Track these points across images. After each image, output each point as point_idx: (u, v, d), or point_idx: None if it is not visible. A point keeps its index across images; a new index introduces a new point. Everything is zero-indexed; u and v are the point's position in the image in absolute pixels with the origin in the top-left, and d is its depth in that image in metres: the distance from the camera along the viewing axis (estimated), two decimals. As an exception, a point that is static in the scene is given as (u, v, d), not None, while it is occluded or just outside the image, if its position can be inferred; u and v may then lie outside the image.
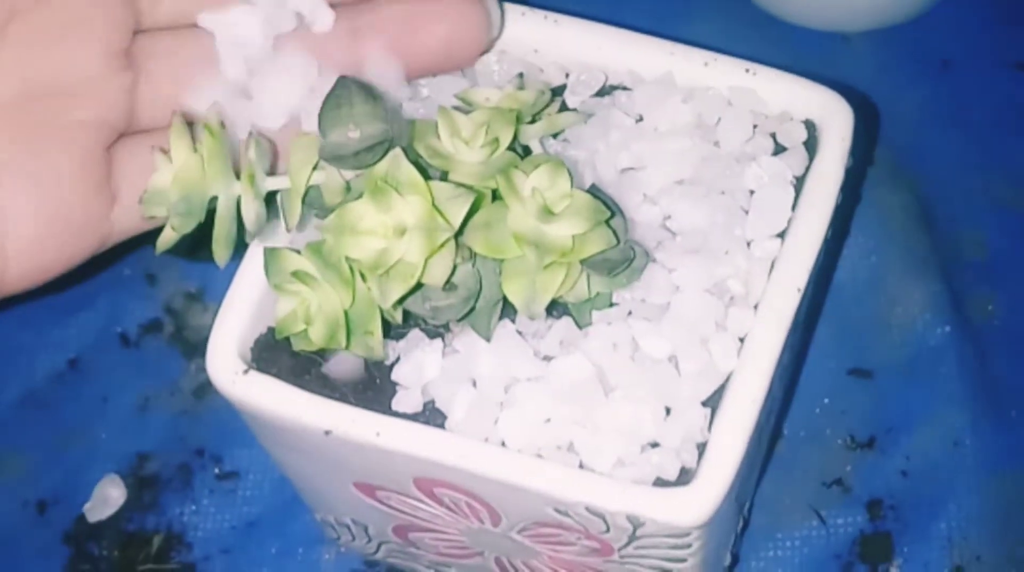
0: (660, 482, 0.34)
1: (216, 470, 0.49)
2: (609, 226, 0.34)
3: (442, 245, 0.31)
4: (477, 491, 0.35)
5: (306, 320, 0.33)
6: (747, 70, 0.39)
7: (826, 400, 0.49)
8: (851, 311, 0.50)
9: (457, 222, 0.32)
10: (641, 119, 0.39)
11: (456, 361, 0.36)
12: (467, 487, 0.35)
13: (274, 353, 0.37)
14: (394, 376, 0.36)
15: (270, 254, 0.34)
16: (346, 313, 0.33)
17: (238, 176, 0.33)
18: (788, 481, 0.47)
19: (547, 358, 0.36)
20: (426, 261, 0.32)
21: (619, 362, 0.35)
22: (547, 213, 0.32)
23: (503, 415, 0.35)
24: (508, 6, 0.40)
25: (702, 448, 0.34)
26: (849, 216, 0.51)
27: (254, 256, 0.36)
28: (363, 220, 0.31)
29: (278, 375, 0.36)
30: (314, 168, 0.33)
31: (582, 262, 0.34)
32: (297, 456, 0.39)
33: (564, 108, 0.39)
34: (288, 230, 0.34)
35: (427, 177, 0.32)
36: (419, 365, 0.36)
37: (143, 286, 0.53)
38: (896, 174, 0.52)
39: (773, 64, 0.56)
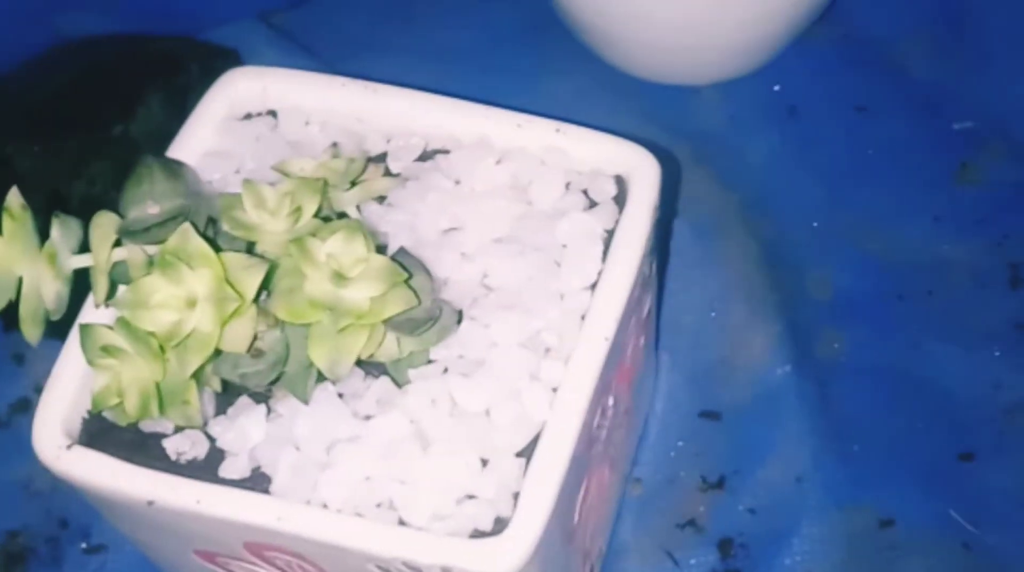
0: (477, 533, 0.35)
1: (84, 544, 0.50)
2: (410, 287, 0.35)
3: (233, 314, 0.32)
4: (302, 552, 0.36)
5: (119, 393, 0.34)
6: (557, 130, 0.40)
7: (680, 443, 0.50)
8: (700, 355, 0.51)
9: (250, 292, 0.33)
10: (459, 182, 0.40)
11: (280, 425, 0.37)
12: (293, 549, 0.36)
13: (108, 427, 0.38)
14: (220, 443, 0.37)
15: (84, 330, 0.35)
16: (159, 385, 0.34)
17: None
18: (646, 524, 0.48)
19: (368, 417, 0.37)
20: (222, 330, 0.32)
21: (437, 417, 0.36)
22: (340, 278, 0.33)
23: (323, 476, 0.36)
24: (328, 78, 0.42)
25: (518, 497, 0.35)
26: (695, 263, 0.52)
27: (77, 333, 0.37)
28: (155, 294, 0.32)
29: (111, 449, 0.37)
30: (115, 244, 0.34)
31: (385, 322, 0.35)
32: (136, 527, 0.39)
33: (388, 173, 0.41)
34: (96, 306, 0.35)
35: (218, 249, 0.33)
36: (243, 431, 0.37)
37: (11, 366, 0.54)
38: (743, 220, 0.54)
39: (627, 119, 0.58)
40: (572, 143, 0.40)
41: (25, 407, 0.53)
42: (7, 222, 0.33)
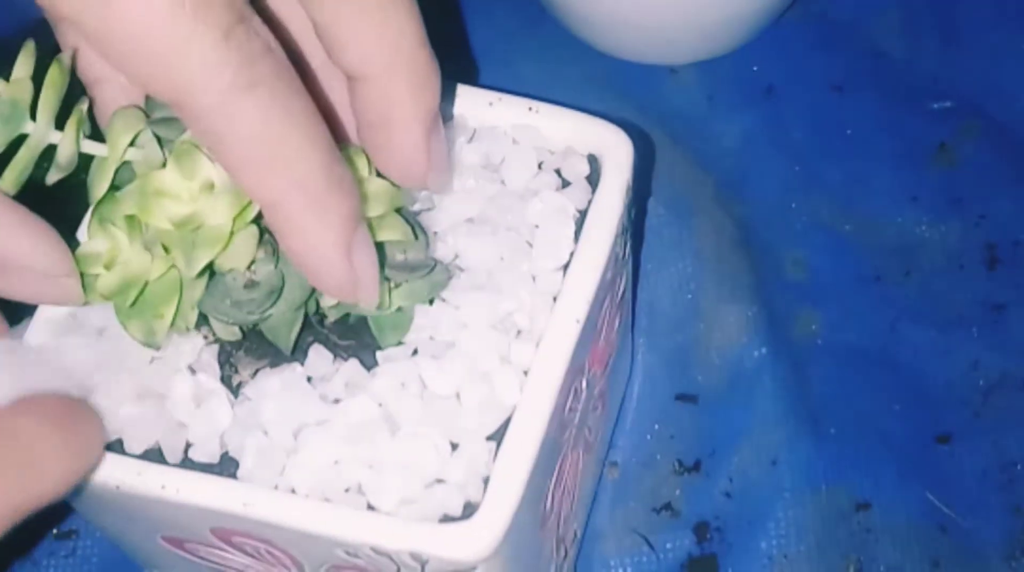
0: (447, 518, 0.35)
1: (54, 530, 0.49)
2: (405, 219, 0.34)
3: (241, 214, 0.32)
4: (270, 538, 0.36)
5: (107, 264, 0.33)
6: (530, 108, 0.40)
7: (656, 426, 0.49)
8: (675, 338, 0.51)
9: None
10: (431, 161, 0.40)
11: (247, 409, 0.36)
12: (260, 535, 0.36)
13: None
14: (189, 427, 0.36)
15: (107, 196, 0.33)
16: (147, 282, 0.33)
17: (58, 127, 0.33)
18: (621, 508, 0.48)
19: (336, 401, 0.36)
20: (231, 235, 0.32)
21: (406, 401, 0.36)
22: None
23: (290, 461, 0.35)
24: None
25: (488, 482, 0.35)
26: (671, 244, 0.52)
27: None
28: (168, 184, 0.31)
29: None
30: (134, 140, 0.33)
31: (384, 262, 0.34)
32: (103, 513, 0.39)
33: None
34: (94, 201, 0.34)
35: None
36: (211, 415, 0.36)
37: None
38: (719, 201, 0.54)
39: (603, 98, 0.57)
40: (545, 122, 0.40)
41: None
42: (54, 71, 0.32)
